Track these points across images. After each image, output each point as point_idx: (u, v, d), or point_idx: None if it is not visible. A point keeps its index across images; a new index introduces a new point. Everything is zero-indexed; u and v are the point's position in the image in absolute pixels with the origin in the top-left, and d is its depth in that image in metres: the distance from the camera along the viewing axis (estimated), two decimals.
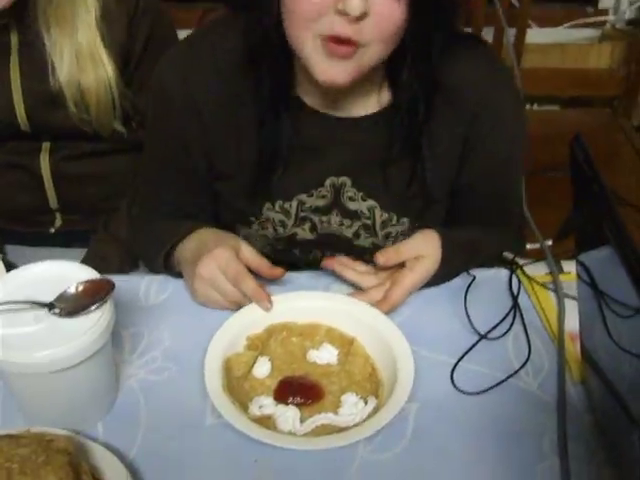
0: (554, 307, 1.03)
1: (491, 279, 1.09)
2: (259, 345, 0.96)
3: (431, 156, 1.04)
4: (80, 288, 0.84)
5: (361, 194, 1.07)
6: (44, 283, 0.84)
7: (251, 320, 0.97)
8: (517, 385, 0.93)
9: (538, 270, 1.10)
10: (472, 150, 1.06)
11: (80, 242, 1.37)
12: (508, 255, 1.16)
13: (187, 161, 1.09)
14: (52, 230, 1.39)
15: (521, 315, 1.02)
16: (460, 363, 0.95)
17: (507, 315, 1.02)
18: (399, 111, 1.01)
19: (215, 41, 1.03)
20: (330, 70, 0.90)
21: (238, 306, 1.00)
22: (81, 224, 1.39)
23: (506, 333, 1.00)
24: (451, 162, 1.07)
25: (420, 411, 0.90)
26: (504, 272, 1.09)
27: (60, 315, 0.81)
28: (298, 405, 0.89)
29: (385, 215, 1.08)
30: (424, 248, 1.04)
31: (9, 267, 0.97)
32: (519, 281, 1.07)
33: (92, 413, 0.88)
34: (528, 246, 1.25)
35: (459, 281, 1.08)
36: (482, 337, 0.99)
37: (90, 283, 0.84)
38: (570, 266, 1.06)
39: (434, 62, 0.96)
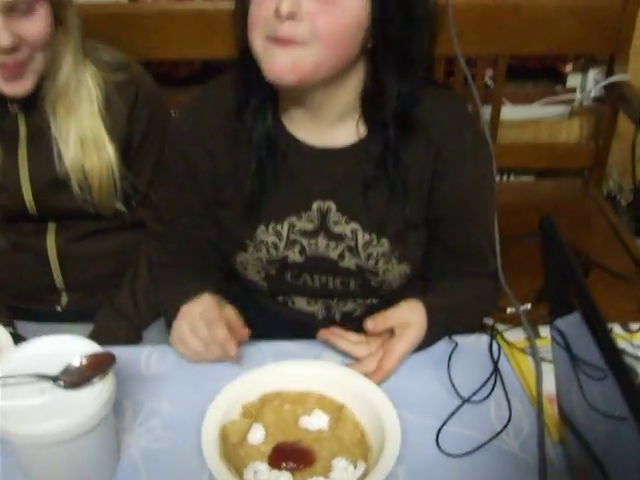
0: (532, 371, 1.05)
1: (472, 345, 1.12)
2: (253, 413, 0.98)
3: (405, 184, 1.11)
4: (84, 361, 0.87)
5: (345, 218, 1.14)
6: (49, 357, 0.88)
7: (245, 389, 1.01)
8: (499, 446, 0.96)
9: (517, 335, 1.13)
10: (439, 182, 1.12)
11: (87, 318, 1.39)
12: (488, 322, 1.21)
13: (198, 194, 1.19)
14: (59, 308, 1.42)
15: (501, 379, 1.05)
16: (445, 427, 0.98)
17: (488, 379, 1.05)
18: (373, 142, 1.10)
19: (220, 93, 1.15)
20: (275, 65, 0.99)
21: (202, 354, 1.07)
22: (87, 301, 1.42)
23: (488, 397, 1.03)
24: (422, 192, 1.13)
25: (408, 474, 0.92)
26: (484, 338, 1.13)
27: (64, 387, 0.85)
28: (291, 470, 0.91)
29: (367, 236, 1.14)
30: (410, 315, 1.09)
31: (18, 340, 1.01)
32: (499, 346, 1.10)
33: None
34: (507, 310, 1.29)
35: (442, 347, 1.11)
36: (465, 401, 1.02)
37: (93, 356, 0.88)
38: (547, 331, 1.10)
39: (404, 99, 1.05)
